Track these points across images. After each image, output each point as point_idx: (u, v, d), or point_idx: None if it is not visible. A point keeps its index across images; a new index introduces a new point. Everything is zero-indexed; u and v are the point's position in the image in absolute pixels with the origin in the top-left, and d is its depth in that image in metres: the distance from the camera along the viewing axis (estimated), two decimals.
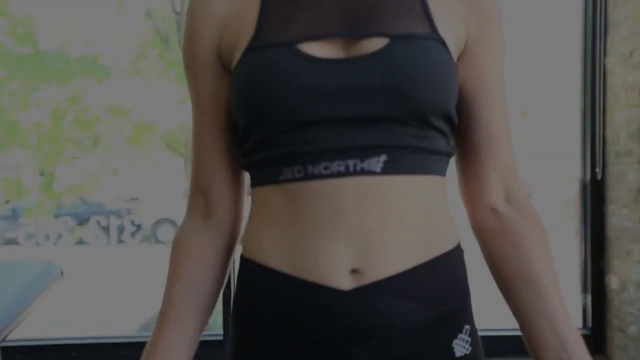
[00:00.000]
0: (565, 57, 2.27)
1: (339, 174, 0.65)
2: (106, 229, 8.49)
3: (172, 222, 8.55)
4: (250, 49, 0.67)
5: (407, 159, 0.66)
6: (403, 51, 0.65)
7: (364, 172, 0.65)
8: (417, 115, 0.65)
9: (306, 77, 0.64)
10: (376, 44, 0.65)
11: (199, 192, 0.75)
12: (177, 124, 5.75)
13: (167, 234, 8.68)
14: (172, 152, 6.89)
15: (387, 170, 0.65)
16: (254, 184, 0.72)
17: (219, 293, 0.76)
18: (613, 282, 2.16)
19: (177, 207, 8.15)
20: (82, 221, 8.33)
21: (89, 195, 7.32)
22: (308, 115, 0.65)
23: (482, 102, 0.71)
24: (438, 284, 0.68)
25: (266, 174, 0.69)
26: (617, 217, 2.14)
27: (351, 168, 0.65)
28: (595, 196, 2.21)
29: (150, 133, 5.79)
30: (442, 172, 0.70)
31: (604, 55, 2.19)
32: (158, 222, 9.14)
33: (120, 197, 8.70)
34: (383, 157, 0.65)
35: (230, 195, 0.75)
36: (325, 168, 0.65)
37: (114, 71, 5.75)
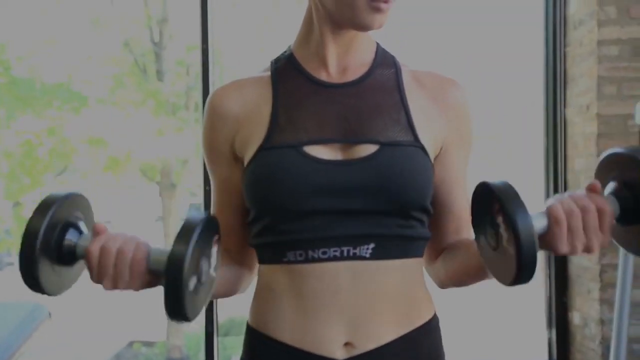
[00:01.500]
0: (529, 108, 2.44)
1: (335, 258, 0.77)
2: None
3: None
4: (263, 148, 0.79)
5: (392, 246, 0.78)
6: (390, 156, 0.77)
7: (356, 257, 0.77)
8: (401, 209, 0.78)
9: (310, 175, 0.76)
10: (368, 149, 0.78)
11: None
12: (154, 156, 5.79)
13: None
14: (148, 180, 6.92)
15: (375, 255, 0.77)
16: (261, 261, 0.83)
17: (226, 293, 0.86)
18: (575, 318, 2.31)
19: (151, 232, 8.14)
20: None
21: None
22: (310, 208, 0.77)
23: (453, 192, 0.85)
24: (419, 351, 0.80)
25: (272, 255, 0.81)
26: (578, 257, 2.29)
27: (345, 253, 0.77)
28: None
29: (127, 164, 5.82)
30: (420, 254, 0.83)
31: (564, 106, 2.37)
32: None
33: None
34: (372, 245, 0.77)
35: (240, 251, 0.87)
36: (323, 253, 0.77)
37: (91, 101, 5.79)
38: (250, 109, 0.83)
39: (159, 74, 6.73)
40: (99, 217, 0.81)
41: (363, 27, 0.78)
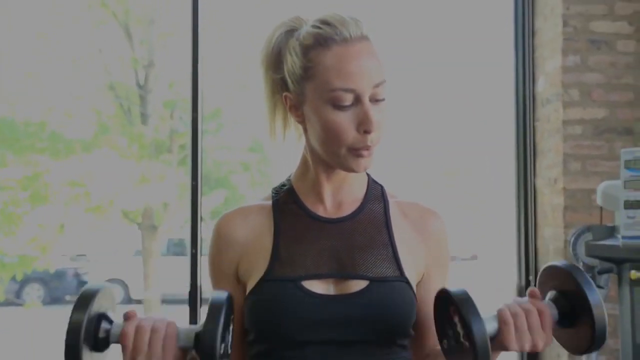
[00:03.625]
0: (501, 179, 2.58)
1: None
2: (51, 288, 8.24)
3: (121, 282, 8.42)
4: (265, 280, 0.87)
5: None
6: (379, 292, 0.86)
7: None
8: (386, 339, 0.87)
9: (307, 309, 0.85)
10: (359, 284, 0.87)
11: None
12: (137, 204, 5.82)
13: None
14: (129, 221, 6.93)
15: None
16: None
17: None
18: None
19: (130, 266, 8.05)
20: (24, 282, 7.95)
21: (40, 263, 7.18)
22: (304, 338, 0.85)
23: (431, 314, 0.94)
24: None
25: None
26: None
27: None
28: None
29: (109, 210, 5.84)
30: None
31: (534, 176, 2.51)
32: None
33: (67, 255, 8.48)
34: None
35: (236, 354, 0.93)
36: None
37: (74, 146, 5.82)
38: (254, 238, 0.91)
39: (143, 117, 6.82)
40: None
41: (350, 171, 0.89)
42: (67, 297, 8.51)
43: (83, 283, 8.62)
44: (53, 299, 8.37)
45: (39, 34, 6.36)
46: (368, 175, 0.98)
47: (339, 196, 0.93)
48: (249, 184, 7.39)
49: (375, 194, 0.96)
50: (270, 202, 0.95)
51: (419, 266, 0.93)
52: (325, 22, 0.85)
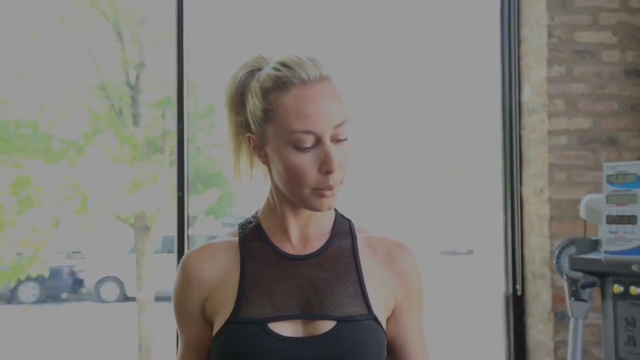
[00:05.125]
0: (487, 185, 2.59)
1: None
2: (46, 287, 8.25)
3: (116, 279, 8.41)
4: (231, 322, 0.87)
5: None
6: (346, 332, 0.86)
7: None
8: None
9: (273, 353, 0.84)
10: (326, 325, 0.86)
11: None
12: (130, 209, 5.81)
13: (111, 292, 8.50)
14: (122, 222, 6.91)
15: None
16: None
17: None
18: None
19: (124, 264, 8.05)
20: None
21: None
22: None
23: (407, 348, 0.95)
24: None
25: None
26: (535, 330, 2.42)
27: None
28: (516, 309, 2.50)
29: (102, 213, 5.83)
30: None
31: (520, 185, 2.52)
32: (102, 281, 8.92)
33: (62, 252, 8.48)
34: None
35: None
36: None
37: (66, 148, 5.80)
38: (221, 276, 0.90)
39: (135, 118, 6.79)
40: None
41: (314, 210, 0.89)
42: (63, 295, 8.51)
43: (79, 281, 8.61)
44: (49, 297, 8.37)
45: (30, 33, 6.31)
46: (336, 210, 0.97)
47: (306, 232, 0.93)
48: None
49: (343, 229, 0.95)
50: (237, 239, 0.94)
51: (388, 301, 0.93)
52: (284, 65, 0.86)
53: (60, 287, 8.42)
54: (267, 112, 0.86)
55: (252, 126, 0.89)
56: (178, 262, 2.34)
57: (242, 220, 0.97)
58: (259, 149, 0.90)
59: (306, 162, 0.85)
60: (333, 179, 0.85)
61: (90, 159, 5.77)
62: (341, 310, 0.88)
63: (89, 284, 8.48)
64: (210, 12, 6.49)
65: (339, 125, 0.85)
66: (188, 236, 2.37)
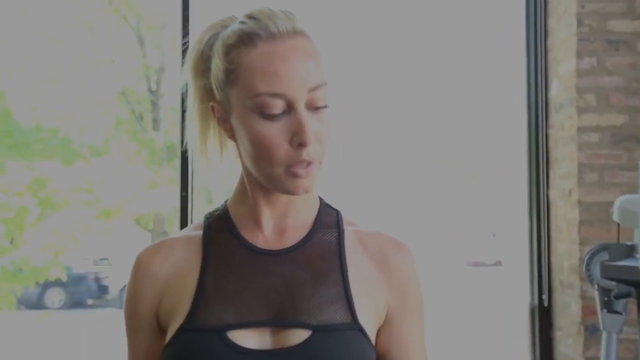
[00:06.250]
0: (513, 189, 2.41)
1: None
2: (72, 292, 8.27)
3: None
4: (184, 329, 0.72)
5: None
6: (324, 344, 0.70)
7: None
8: None
9: None
10: (300, 335, 0.71)
11: None
12: (147, 208, 5.78)
13: None
14: (141, 227, 6.89)
15: None
16: None
17: None
18: None
19: None
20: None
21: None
22: None
23: None
24: None
25: None
26: (563, 344, 2.23)
27: None
28: (542, 322, 2.31)
29: (119, 215, 5.80)
30: None
31: (547, 187, 2.34)
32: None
33: (89, 258, 8.52)
34: None
35: None
36: None
37: (85, 152, 5.80)
38: (178, 274, 0.76)
39: (155, 122, 6.77)
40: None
41: (287, 194, 0.74)
42: (89, 301, 8.53)
43: (104, 287, 8.63)
44: (74, 303, 8.41)
45: (56, 40, 6.35)
46: (321, 199, 0.82)
47: (283, 223, 0.78)
48: None
49: (328, 220, 0.80)
50: (200, 232, 0.80)
51: (379, 308, 0.77)
52: (251, 17, 0.72)
53: (86, 293, 8.45)
54: (229, 72, 0.72)
55: (216, 93, 0.75)
56: None
57: (210, 211, 0.83)
58: (224, 121, 0.76)
59: (275, 133, 0.70)
60: (308, 153, 0.71)
61: (108, 162, 5.76)
62: (318, 318, 0.72)
63: (113, 290, 8.50)
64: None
65: (314, 89, 0.71)
66: None
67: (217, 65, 0.74)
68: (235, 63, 0.72)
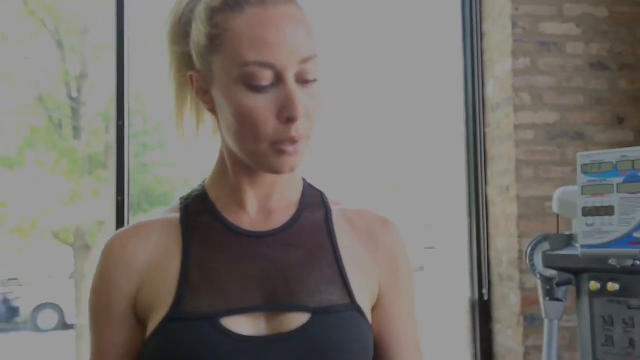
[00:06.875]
0: (452, 187, 2.47)
1: None
2: None
3: (55, 306, 7.94)
4: (171, 318, 0.66)
5: None
6: (324, 327, 0.67)
7: None
8: None
9: (228, 357, 0.64)
10: (298, 319, 0.67)
11: None
12: (67, 223, 5.46)
13: (49, 320, 8.01)
14: (61, 242, 6.51)
15: None
16: None
17: None
18: None
19: (64, 289, 7.61)
20: None
21: None
22: None
23: (393, 348, 0.75)
24: None
25: None
26: (503, 336, 2.29)
27: None
28: (482, 315, 2.37)
29: (35, 230, 5.45)
30: None
31: (485, 184, 2.41)
32: (39, 308, 8.41)
33: None
34: None
35: None
36: None
37: None
38: (158, 262, 0.70)
39: (76, 131, 6.44)
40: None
41: (272, 172, 0.69)
42: None
43: (14, 309, 8.08)
44: None
45: None
46: (304, 180, 0.79)
47: (268, 203, 0.74)
48: None
49: (314, 200, 0.77)
50: (177, 215, 0.73)
51: (372, 287, 0.74)
52: None
53: None
54: (213, 38, 0.66)
55: (195, 60, 0.69)
56: None
57: (185, 194, 0.77)
58: (204, 92, 0.70)
59: (262, 106, 0.65)
60: (297, 129, 0.66)
61: (22, 173, 5.40)
62: (317, 300, 0.68)
63: (25, 312, 7.97)
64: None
65: (306, 60, 0.66)
66: None
67: (198, 30, 0.68)
68: (220, 28, 0.66)
